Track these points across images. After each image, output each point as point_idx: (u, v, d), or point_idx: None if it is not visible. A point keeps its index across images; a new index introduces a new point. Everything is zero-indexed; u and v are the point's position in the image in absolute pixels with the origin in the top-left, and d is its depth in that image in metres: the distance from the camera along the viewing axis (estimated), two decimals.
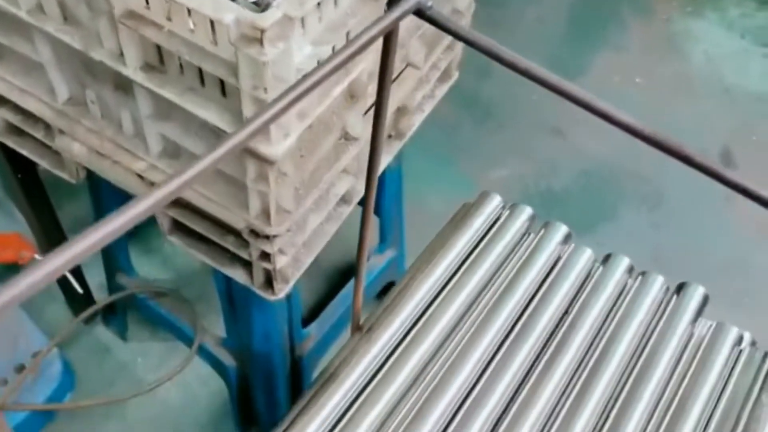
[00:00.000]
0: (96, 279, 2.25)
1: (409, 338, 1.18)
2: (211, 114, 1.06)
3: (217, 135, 1.14)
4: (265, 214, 1.22)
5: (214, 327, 2.06)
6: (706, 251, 2.66)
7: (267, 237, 1.26)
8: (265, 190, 1.16)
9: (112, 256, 2.07)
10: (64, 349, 2.15)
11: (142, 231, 2.54)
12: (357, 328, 1.20)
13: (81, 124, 1.31)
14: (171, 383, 2.28)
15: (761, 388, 1.11)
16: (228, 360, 1.97)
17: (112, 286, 2.11)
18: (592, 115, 0.72)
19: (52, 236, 2.02)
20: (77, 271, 2.13)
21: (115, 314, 2.32)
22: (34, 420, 1.83)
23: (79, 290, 2.02)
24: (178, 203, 1.36)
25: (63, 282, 2.09)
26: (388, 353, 1.16)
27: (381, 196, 2.10)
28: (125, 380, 2.27)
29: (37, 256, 2.05)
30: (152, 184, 1.32)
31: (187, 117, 1.14)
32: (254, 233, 1.26)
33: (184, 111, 1.11)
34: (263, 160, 1.08)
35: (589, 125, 3.13)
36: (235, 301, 1.80)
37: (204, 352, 2.02)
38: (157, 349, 2.36)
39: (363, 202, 1.04)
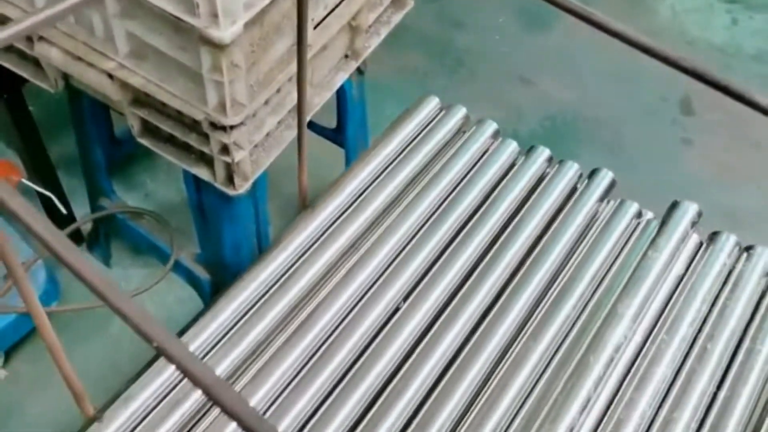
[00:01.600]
0: (81, 210, 2.40)
1: (346, 214, 1.33)
2: (168, 3, 1.20)
3: (176, 28, 1.28)
4: (222, 106, 1.37)
5: (191, 248, 2.21)
6: (663, 192, 2.81)
7: (224, 129, 1.41)
8: (219, 79, 1.30)
9: (95, 183, 2.22)
10: (51, 271, 2.30)
11: (125, 169, 2.69)
12: (303, 206, 1.35)
13: (57, 29, 1.45)
14: (151, 302, 2.45)
15: (649, 246, 1.26)
16: (203, 274, 2.13)
17: (95, 210, 2.26)
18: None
19: (38, 161, 2.17)
20: (62, 196, 2.28)
21: (98, 242, 2.47)
22: (20, 323, 1.99)
23: (63, 211, 2.17)
24: (145, 104, 1.51)
25: (48, 205, 2.24)
26: (327, 225, 1.32)
27: (345, 125, 2.24)
28: None
29: (24, 180, 2.19)
30: (122, 85, 1.47)
31: (149, 14, 1.28)
32: (213, 125, 1.41)
33: (147, 9, 1.26)
34: (215, 46, 1.22)
35: (555, 75, 3.28)
36: (207, 215, 1.94)
37: (180, 269, 2.17)
38: (139, 274, 2.51)
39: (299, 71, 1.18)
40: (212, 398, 0.59)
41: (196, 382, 0.60)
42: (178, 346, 0.62)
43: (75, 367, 1.13)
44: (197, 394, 1.10)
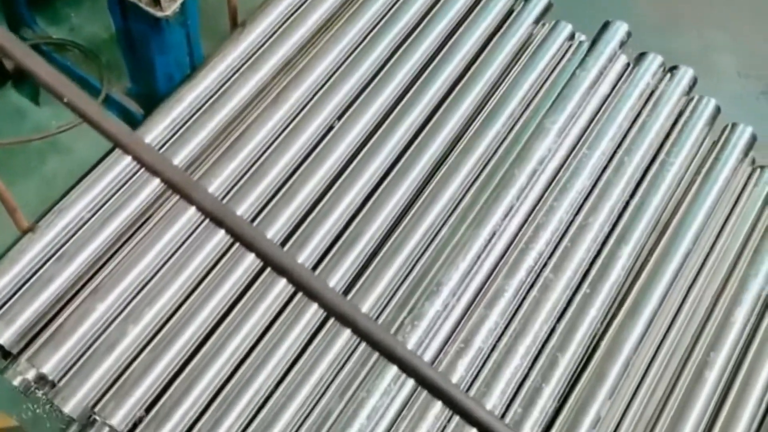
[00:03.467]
0: None
1: (280, 32, 1.30)
2: None
3: None
4: None
5: (122, 82, 2.13)
6: None
7: None
8: None
9: (14, 11, 2.08)
10: None
11: (48, 2, 2.52)
12: (234, 25, 1.31)
13: None
14: (84, 142, 2.40)
15: (578, 66, 1.29)
16: (135, 108, 2.07)
17: None
18: None
19: None
20: None
21: (25, 79, 2.36)
22: None
23: None
24: None
25: None
26: (260, 44, 1.29)
27: None
28: (43, 141, 2.37)
29: None
30: None
31: None
32: None
33: None
34: None
35: None
36: (136, 45, 1.86)
37: (112, 104, 2.10)
38: (70, 113, 2.44)
39: None
40: (172, 186, 0.60)
41: (155, 173, 0.61)
42: (135, 139, 0.62)
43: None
44: (133, 206, 1.12)
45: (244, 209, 1.16)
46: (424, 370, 0.61)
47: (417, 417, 1.05)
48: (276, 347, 1.06)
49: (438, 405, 1.05)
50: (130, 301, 1.08)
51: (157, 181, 1.13)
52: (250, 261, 1.10)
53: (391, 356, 0.60)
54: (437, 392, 0.61)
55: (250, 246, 0.64)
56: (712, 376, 1.09)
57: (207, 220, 1.11)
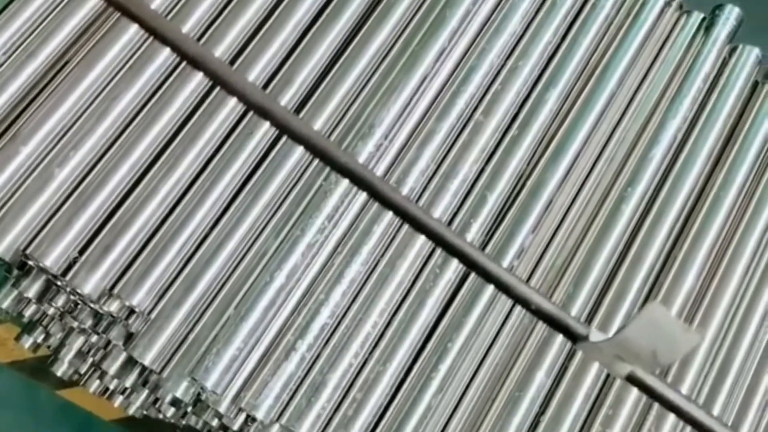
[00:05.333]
0: None
1: None
2: None
3: None
4: None
5: None
6: None
7: None
8: None
9: None
10: None
11: None
12: None
13: None
14: None
15: None
16: None
17: None
18: None
19: None
20: None
21: None
22: None
23: None
24: None
25: None
26: None
27: None
28: None
29: None
30: None
31: None
32: None
33: None
34: None
35: None
36: None
37: None
38: None
39: None
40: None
41: None
42: None
43: None
44: (55, 42, 1.08)
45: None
46: (376, 181, 0.63)
47: (351, 253, 1.09)
48: (212, 187, 1.07)
49: (372, 240, 1.09)
50: (55, 144, 1.05)
51: (82, 13, 1.08)
52: (195, 84, 1.07)
53: (342, 169, 0.62)
54: (387, 203, 0.63)
55: (196, 64, 0.62)
56: (628, 210, 1.16)
57: (147, 42, 1.07)
